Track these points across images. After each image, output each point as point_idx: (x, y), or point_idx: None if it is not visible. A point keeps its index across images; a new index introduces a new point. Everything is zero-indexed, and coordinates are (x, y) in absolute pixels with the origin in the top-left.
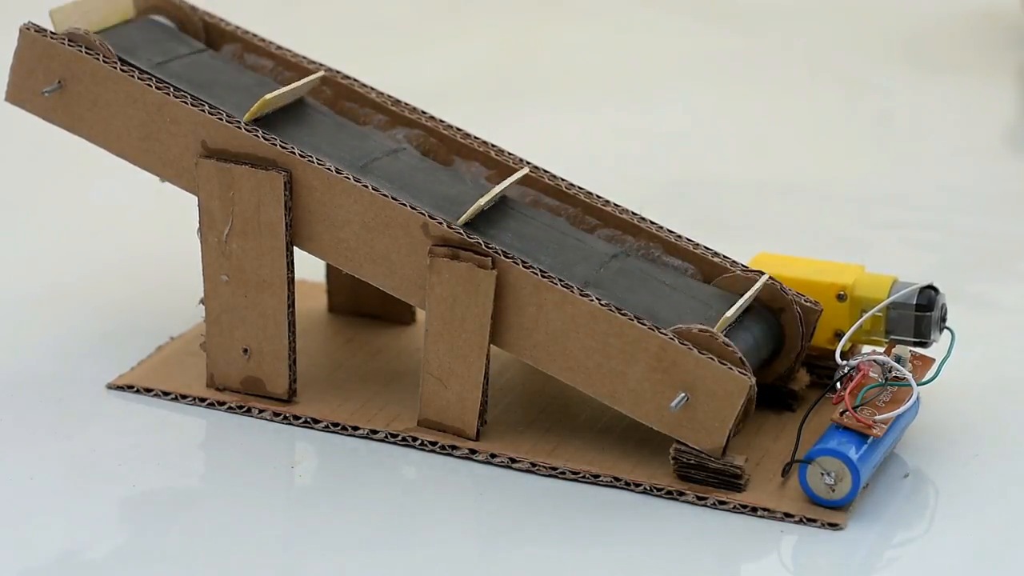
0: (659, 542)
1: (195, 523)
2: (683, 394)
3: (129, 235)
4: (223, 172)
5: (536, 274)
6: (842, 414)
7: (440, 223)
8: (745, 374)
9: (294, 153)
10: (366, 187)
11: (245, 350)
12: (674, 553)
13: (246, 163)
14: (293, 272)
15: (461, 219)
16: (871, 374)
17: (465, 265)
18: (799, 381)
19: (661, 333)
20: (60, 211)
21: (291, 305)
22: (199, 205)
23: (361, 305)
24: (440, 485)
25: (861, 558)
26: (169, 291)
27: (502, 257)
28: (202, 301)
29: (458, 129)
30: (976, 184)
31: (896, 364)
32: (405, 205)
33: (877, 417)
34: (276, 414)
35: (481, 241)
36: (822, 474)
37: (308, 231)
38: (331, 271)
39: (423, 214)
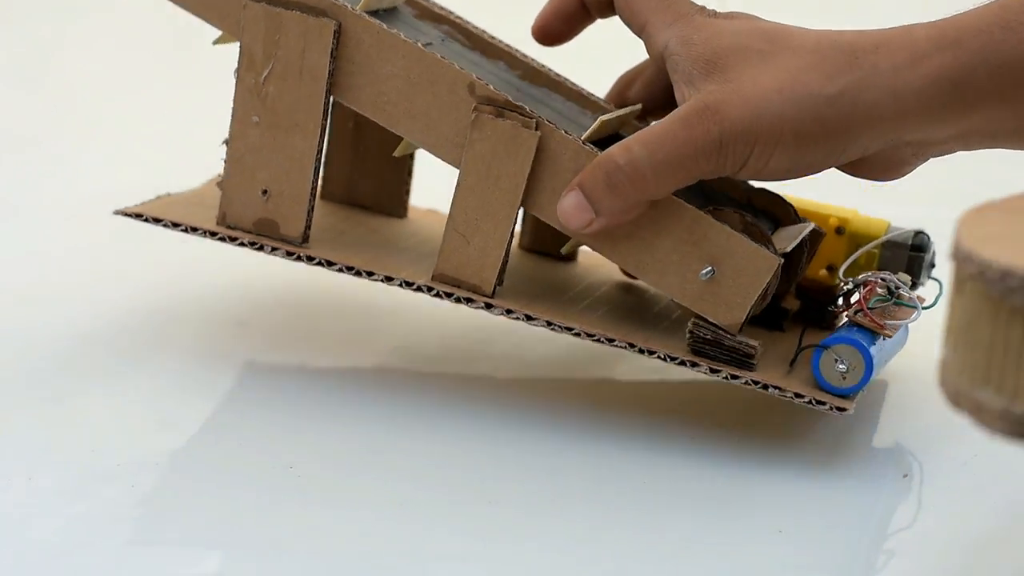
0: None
1: (196, 523)
2: (710, 267)
3: (128, 234)
4: (271, 16)
5: (577, 141)
6: (856, 313)
7: (487, 84)
8: (774, 253)
9: (347, 6)
10: (416, 43)
11: (264, 191)
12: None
13: (296, 9)
14: (327, 119)
15: (585, 135)
16: (878, 290)
17: (509, 123)
18: (790, 303)
19: (695, 208)
20: (58, 210)
21: (320, 151)
22: (241, 47)
23: (355, 195)
24: None
25: (861, 555)
26: (168, 290)
27: (545, 122)
28: (226, 141)
29: (483, 31)
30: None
31: (902, 284)
32: (453, 64)
33: (888, 322)
34: (289, 253)
35: (526, 107)
36: (836, 360)
37: (349, 82)
38: (330, 157)
39: (470, 75)
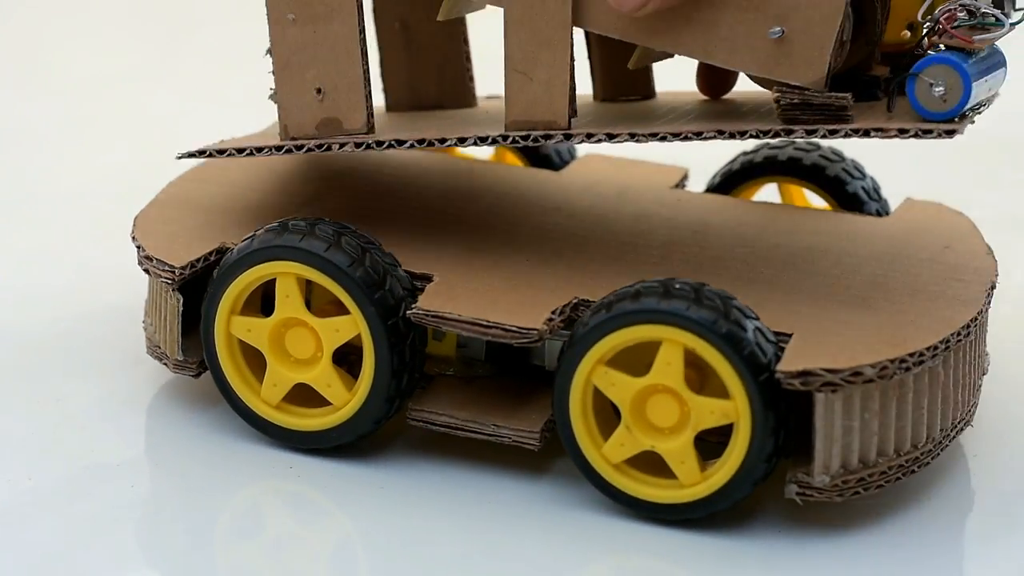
0: None
1: (196, 523)
2: (779, 27)
3: (127, 232)
4: None
5: None
6: (940, 36)
7: None
8: None
9: None
10: None
11: (318, 90)
12: None
13: None
14: None
15: None
16: (959, 14)
17: None
18: (879, 69)
19: None
20: (58, 210)
21: (362, 32)
22: None
23: (420, 98)
24: None
25: (860, 560)
26: None
27: None
28: (269, 51)
29: None
30: None
31: (984, 4)
32: None
33: (976, 37)
34: (358, 144)
35: None
36: (931, 85)
37: None
38: (385, 70)
39: None
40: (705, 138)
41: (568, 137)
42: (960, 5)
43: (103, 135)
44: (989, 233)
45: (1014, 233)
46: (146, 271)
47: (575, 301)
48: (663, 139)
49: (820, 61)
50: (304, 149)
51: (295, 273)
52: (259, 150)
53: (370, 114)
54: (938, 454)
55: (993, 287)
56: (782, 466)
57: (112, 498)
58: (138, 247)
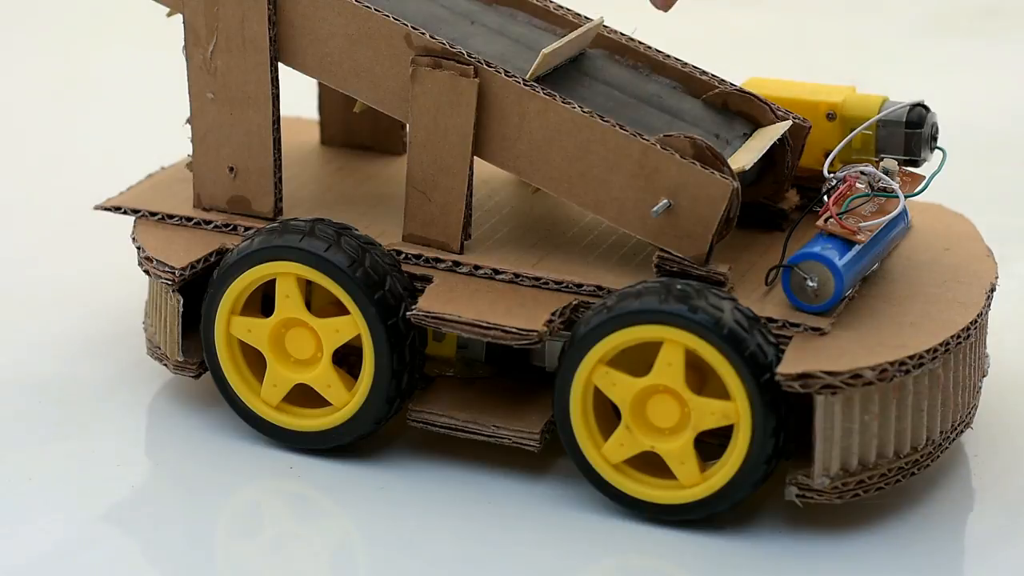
0: None
1: (197, 524)
2: (665, 200)
3: (126, 235)
4: None
5: (519, 83)
6: (826, 220)
7: (423, 33)
8: (727, 178)
9: None
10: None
11: (231, 168)
12: None
13: None
14: (278, 89)
15: (529, 73)
16: (858, 185)
17: (447, 74)
18: (788, 201)
19: (643, 139)
20: (59, 209)
21: (276, 122)
22: (184, 22)
23: (353, 136)
24: None
25: (861, 561)
26: None
27: (485, 66)
28: (188, 121)
29: None
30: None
31: (883, 175)
32: (388, 16)
33: (862, 224)
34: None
35: (464, 51)
36: (805, 279)
37: (293, 46)
38: (323, 103)
39: (406, 25)
40: (583, 293)
41: (456, 265)
42: (860, 173)
43: (105, 134)
44: (989, 234)
45: (1014, 234)
46: (146, 272)
47: (575, 302)
48: (544, 284)
49: (703, 239)
50: (211, 226)
51: (295, 273)
52: (170, 217)
53: (278, 199)
54: (938, 456)
55: (993, 289)
56: (782, 467)
57: (112, 498)
58: (138, 248)
